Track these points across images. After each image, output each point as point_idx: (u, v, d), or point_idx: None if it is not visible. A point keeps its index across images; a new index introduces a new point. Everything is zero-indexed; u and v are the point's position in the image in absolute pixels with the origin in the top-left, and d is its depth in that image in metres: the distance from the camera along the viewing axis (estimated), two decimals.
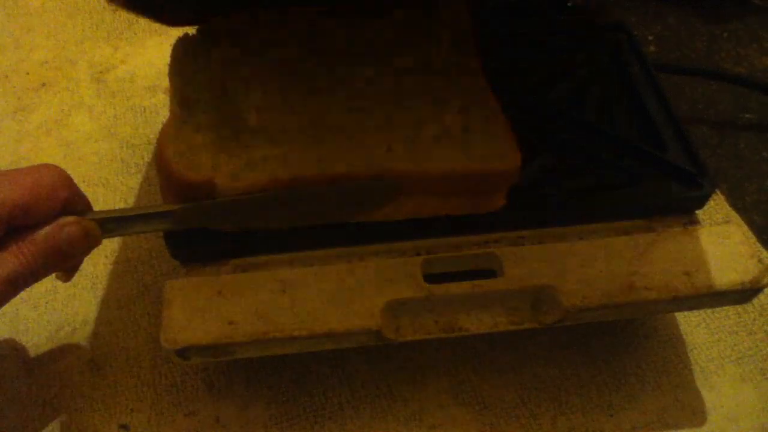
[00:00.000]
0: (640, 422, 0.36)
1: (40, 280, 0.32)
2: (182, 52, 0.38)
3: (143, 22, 0.56)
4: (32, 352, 0.40)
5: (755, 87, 0.51)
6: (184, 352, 0.32)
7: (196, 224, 0.33)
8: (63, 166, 0.47)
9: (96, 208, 0.46)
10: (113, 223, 0.34)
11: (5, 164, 0.48)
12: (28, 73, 0.53)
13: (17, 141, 0.49)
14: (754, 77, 0.52)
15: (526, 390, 0.37)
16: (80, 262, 0.35)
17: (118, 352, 0.39)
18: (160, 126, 0.37)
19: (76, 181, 0.46)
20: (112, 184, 0.47)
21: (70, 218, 0.32)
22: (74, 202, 0.33)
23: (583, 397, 0.37)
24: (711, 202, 0.37)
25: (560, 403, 0.37)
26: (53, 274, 0.34)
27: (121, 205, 0.45)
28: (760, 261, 0.33)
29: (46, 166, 0.33)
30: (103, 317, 0.41)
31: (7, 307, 0.39)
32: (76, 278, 0.41)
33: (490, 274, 0.34)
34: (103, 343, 0.40)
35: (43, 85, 0.52)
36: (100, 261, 0.43)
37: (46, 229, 0.32)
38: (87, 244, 0.33)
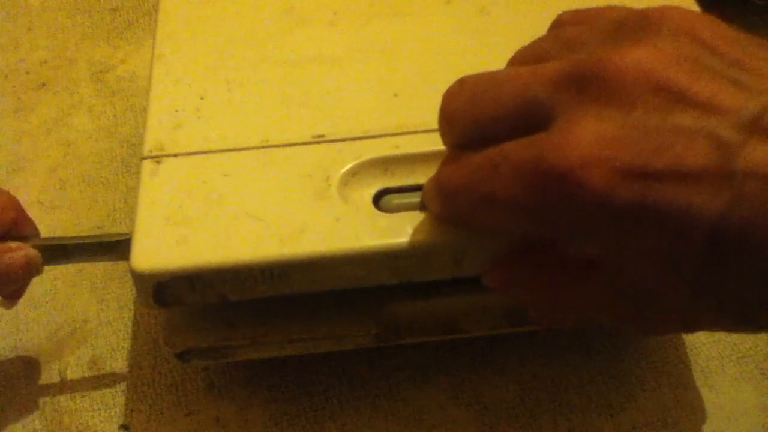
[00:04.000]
0: (640, 422, 0.36)
1: None
2: None
3: (143, 22, 0.56)
4: (32, 352, 0.40)
5: None
6: (184, 355, 0.32)
7: None
8: (63, 165, 0.47)
9: (96, 208, 0.46)
10: (58, 251, 0.33)
11: (5, 164, 0.48)
12: (28, 73, 0.53)
13: (17, 141, 0.49)
14: None
15: (526, 390, 0.37)
16: (24, 287, 0.35)
17: (118, 352, 0.39)
18: None
19: (75, 180, 0.47)
20: (112, 183, 0.47)
21: (13, 244, 0.32)
22: (20, 227, 0.33)
23: (583, 397, 0.37)
24: None
25: (560, 403, 0.37)
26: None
27: (121, 205, 0.45)
28: None
29: None
30: (103, 317, 0.41)
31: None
32: (76, 278, 0.41)
33: None
34: (103, 343, 0.40)
35: (43, 84, 0.52)
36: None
37: None
38: (27, 271, 0.33)
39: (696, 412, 0.36)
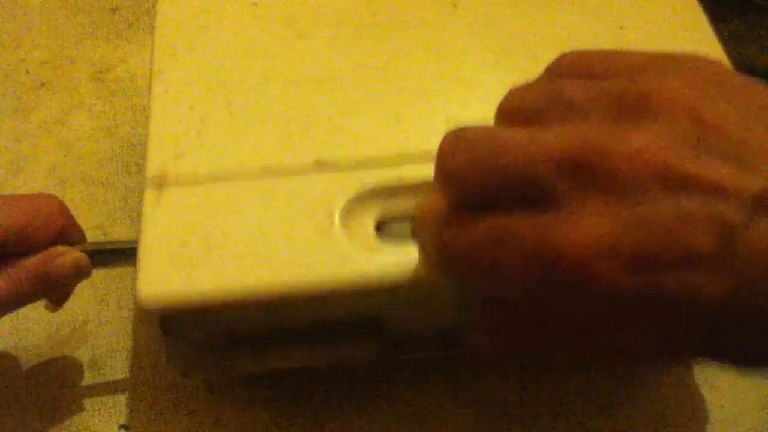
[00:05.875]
0: (640, 422, 0.36)
1: (25, 305, 0.33)
2: None
3: (143, 22, 0.56)
4: (32, 352, 0.40)
5: None
6: (188, 373, 0.33)
7: None
8: (63, 166, 0.47)
9: (96, 208, 0.46)
10: (105, 256, 0.34)
11: (5, 164, 0.48)
12: (28, 73, 0.53)
13: (17, 141, 0.49)
14: (754, 76, 0.52)
15: (526, 390, 0.37)
16: (69, 292, 0.35)
17: (118, 352, 0.39)
18: None
19: (75, 181, 0.47)
20: (112, 184, 0.47)
21: (62, 248, 0.33)
22: (69, 232, 0.34)
23: (583, 397, 0.37)
24: None
25: (560, 403, 0.37)
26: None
27: (121, 205, 0.45)
28: None
29: (44, 195, 0.34)
30: (103, 317, 0.41)
31: None
32: None
33: None
34: (103, 343, 0.40)
35: (43, 84, 0.52)
36: None
37: (37, 257, 0.32)
38: (76, 275, 0.33)
39: (696, 412, 0.36)
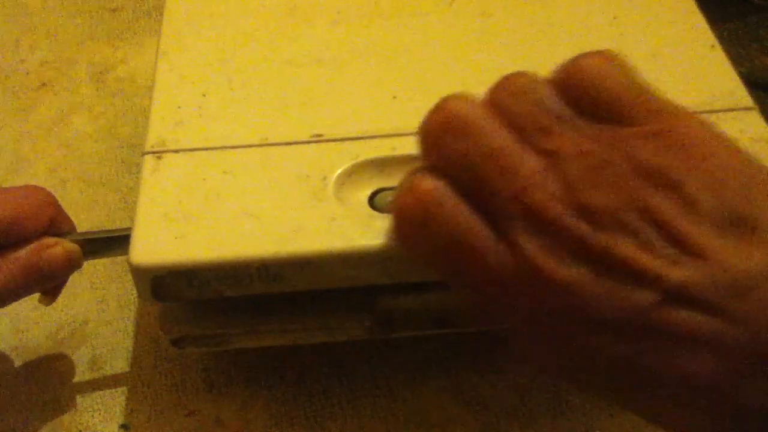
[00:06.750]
0: (640, 422, 0.36)
1: (19, 299, 0.33)
2: None
3: (143, 22, 0.56)
4: (32, 352, 0.40)
5: (755, 86, 0.51)
6: (179, 342, 0.33)
7: None
8: (63, 166, 0.47)
9: (96, 208, 0.46)
10: (96, 245, 0.34)
11: (5, 164, 0.48)
12: (28, 73, 0.53)
13: (17, 141, 0.49)
14: (754, 76, 0.52)
15: (526, 390, 0.37)
16: (62, 284, 0.35)
17: (118, 352, 0.39)
18: None
19: (75, 181, 0.47)
20: (112, 184, 0.47)
21: (53, 239, 0.33)
22: (58, 223, 0.34)
23: (583, 397, 0.37)
24: None
25: (560, 403, 0.37)
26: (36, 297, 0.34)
27: (121, 205, 0.45)
28: None
29: (33, 186, 0.34)
30: (103, 317, 0.41)
31: (7, 307, 0.40)
32: (76, 278, 0.41)
33: None
34: (103, 343, 0.40)
35: (43, 85, 0.52)
36: (100, 261, 0.43)
37: (28, 249, 0.32)
38: (68, 266, 0.33)
39: None
